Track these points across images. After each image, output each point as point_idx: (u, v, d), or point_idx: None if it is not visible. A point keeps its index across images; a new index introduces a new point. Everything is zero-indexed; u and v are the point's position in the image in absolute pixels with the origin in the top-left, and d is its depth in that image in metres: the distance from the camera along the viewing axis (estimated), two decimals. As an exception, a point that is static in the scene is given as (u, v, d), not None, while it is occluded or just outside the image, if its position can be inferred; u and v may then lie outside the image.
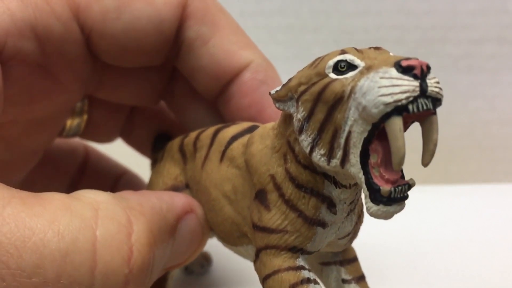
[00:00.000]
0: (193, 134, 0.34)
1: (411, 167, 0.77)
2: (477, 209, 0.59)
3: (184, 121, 0.39)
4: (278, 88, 0.27)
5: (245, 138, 0.31)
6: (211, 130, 0.33)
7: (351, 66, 0.25)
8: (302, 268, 0.27)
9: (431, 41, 0.69)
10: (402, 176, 0.25)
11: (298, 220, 0.27)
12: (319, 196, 0.27)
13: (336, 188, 0.27)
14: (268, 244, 0.27)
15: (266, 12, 0.67)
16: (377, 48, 0.26)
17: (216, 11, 0.36)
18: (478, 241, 0.49)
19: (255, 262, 0.29)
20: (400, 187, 0.24)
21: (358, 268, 0.33)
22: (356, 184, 0.27)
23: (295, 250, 0.27)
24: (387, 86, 0.23)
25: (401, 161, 0.23)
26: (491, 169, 0.72)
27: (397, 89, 0.22)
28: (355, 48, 0.26)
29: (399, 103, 0.22)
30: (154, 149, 0.39)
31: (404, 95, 0.22)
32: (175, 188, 0.34)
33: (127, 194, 0.28)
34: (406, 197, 0.24)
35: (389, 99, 0.22)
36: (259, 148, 0.29)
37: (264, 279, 0.28)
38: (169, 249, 0.28)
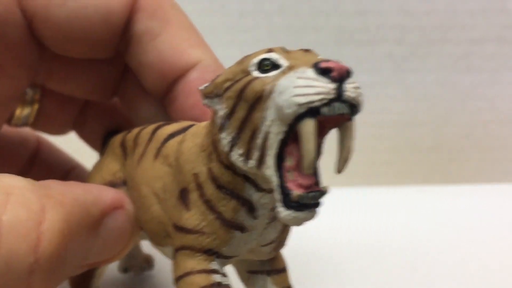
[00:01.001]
0: (135, 130, 0.33)
1: (411, 167, 0.77)
2: (477, 209, 0.59)
3: (136, 118, 0.38)
4: (207, 84, 0.26)
5: (181, 136, 0.30)
6: (152, 127, 0.32)
7: (275, 66, 0.24)
8: (215, 272, 0.26)
9: (431, 41, 0.69)
10: (318, 183, 0.24)
11: (216, 222, 0.26)
12: (239, 199, 0.26)
13: (257, 191, 0.26)
14: (184, 244, 0.27)
15: (266, 12, 0.67)
16: (306, 50, 0.25)
17: (168, 7, 0.34)
18: (478, 241, 0.49)
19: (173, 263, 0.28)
20: (312, 194, 0.23)
21: (285, 279, 0.32)
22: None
23: (211, 253, 0.27)
24: (302, 87, 0.22)
25: (311, 165, 0.22)
26: (491, 169, 0.72)
27: (311, 90, 0.22)
28: (283, 48, 0.25)
29: (312, 105, 0.22)
30: (103, 145, 0.38)
31: (318, 97, 0.22)
32: (112, 184, 0.32)
33: (51, 183, 0.27)
34: (318, 204, 0.24)
35: (302, 100, 0.22)
36: (189, 146, 0.28)
37: (176, 280, 0.27)
38: (90, 243, 0.27)
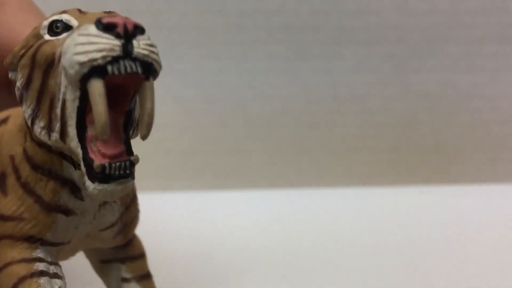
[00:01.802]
0: None
1: (411, 167, 0.77)
2: (477, 209, 0.59)
3: None
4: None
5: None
6: None
7: (68, 27, 0.22)
8: (39, 260, 0.24)
9: (432, 40, 0.69)
10: (129, 152, 0.22)
11: (35, 206, 0.24)
12: (59, 179, 0.25)
13: (76, 170, 0.24)
14: (3, 233, 0.24)
15: (266, 12, 0.67)
16: (109, 12, 0.23)
17: None
18: (478, 241, 0.49)
19: None
20: (119, 164, 0.21)
21: (143, 265, 0.31)
22: None
23: (33, 240, 0.24)
24: (83, 44, 0.20)
25: (104, 129, 0.20)
26: (492, 169, 0.72)
27: (92, 47, 0.20)
28: (79, 10, 0.23)
29: (95, 63, 0.20)
30: None
31: (99, 54, 0.20)
32: None
33: None
34: (128, 175, 0.22)
35: (83, 58, 0.20)
36: (9, 128, 0.26)
37: None
38: None
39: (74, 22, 0.22)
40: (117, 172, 0.21)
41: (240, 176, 0.70)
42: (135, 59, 0.21)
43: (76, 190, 0.25)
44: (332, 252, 0.46)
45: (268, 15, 0.68)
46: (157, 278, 0.40)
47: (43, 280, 0.24)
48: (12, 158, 0.25)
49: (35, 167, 0.25)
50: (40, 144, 0.24)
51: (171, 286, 0.38)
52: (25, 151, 0.25)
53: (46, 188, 0.25)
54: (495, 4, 0.69)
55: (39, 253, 0.25)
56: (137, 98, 0.23)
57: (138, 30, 0.21)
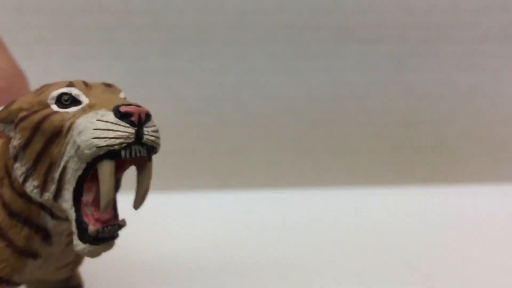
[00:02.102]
0: None
1: (411, 167, 0.77)
2: (477, 209, 0.59)
3: None
4: (1, 108, 0.26)
5: None
6: None
7: (75, 101, 0.24)
8: None
9: (433, 39, 0.69)
10: (116, 216, 0.25)
11: (6, 250, 0.26)
12: (33, 227, 0.26)
13: (52, 219, 0.26)
14: None
15: (266, 11, 0.67)
16: (108, 85, 0.26)
17: None
18: (478, 241, 0.49)
19: None
20: (109, 228, 0.24)
21: None
22: None
23: (1, 281, 0.26)
24: (102, 130, 0.23)
25: (109, 204, 0.23)
26: (493, 169, 0.73)
27: (111, 134, 0.23)
28: (84, 82, 0.25)
29: (112, 148, 0.23)
30: None
31: (117, 141, 0.23)
32: None
33: None
34: (115, 237, 0.24)
35: (102, 143, 0.22)
36: None
37: None
38: None
39: (83, 98, 0.24)
40: (107, 235, 0.24)
41: (240, 176, 0.70)
42: (143, 144, 0.23)
43: (47, 236, 0.27)
44: (332, 252, 0.46)
45: (268, 14, 0.68)
46: (157, 278, 0.40)
47: None
48: None
49: (11, 214, 0.26)
50: (21, 194, 0.25)
51: (171, 285, 0.38)
52: (1, 198, 0.26)
53: (20, 234, 0.26)
54: (496, 3, 0.69)
55: None
56: (137, 173, 0.25)
57: (148, 117, 0.24)
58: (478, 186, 0.69)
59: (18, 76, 0.33)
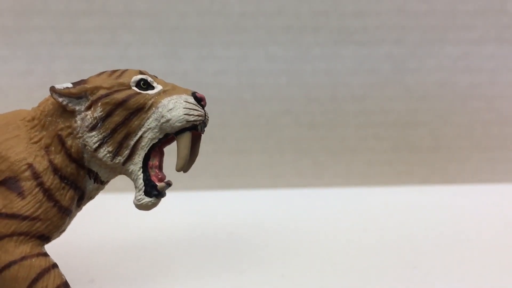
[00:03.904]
0: None
1: (411, 167, 0.77)
2: (477, 209, 0.59)
3: None
4: (67, 85, 0.30)
5: None
6: None
7: (150, 86, 0.31)
8: (48, 255, 0.29)
9: (430, 41, 0.69)
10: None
11: (53, 210, 0.29)
12: (76, 189, 0.31)
13: (94, 183, 0.32)
14: (16, 231, 0.28)
15: (266, 13, 0.67)
16: (155, 76, 0.32)
17: None
18: (477, 241, 0.49)
19: None
20: (167, 187, 0.30)
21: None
22: (108, 182, 0.32)
23: (43, 238, 0.29)
24: (190, 108, 0.30)
25: (184, 165, 0.30)
26: (491, 169, 0.72)
27: (196, 112, 0.31)
28: (147, 73, 0.32)
29: (196, 123, 0.31)
30: None
31: (199, 118, 0.31)
32: None
33: None
34: (165, 194, 0.31)
35: (191, 118, 0.30)
36: (5, 137, 0.30)
37: (4, 267, 0.28)
38: None
39: (155, 84, 0.31)
40: (164, 192, 0.30)
41: (240, 176, 0.70)
42: (204, 123, 0.32)
43: (81, 198, 0.32)
44: (331, 252, 0.46)
45: (268, 16, 0.68)
46: (157, 278, 0.40)
47: (60, 270, 0.29)
48: (30, 165, 0.29)
49: (61, 177, 0.30)
50: (74, 160, 0.30)
51: (170, 285, 0.38)
52: (51, 163, 0.30)
53: (66, 196, 0.30)
54: (494, 5, 0.69)
55: (45, 249, 0.30)
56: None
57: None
58: (476, 186, 0.69)
59: None
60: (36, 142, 0.30)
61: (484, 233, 0.51)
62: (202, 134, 0.32)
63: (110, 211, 0.56)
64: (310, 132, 0.70)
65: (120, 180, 0.37)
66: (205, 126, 0.32)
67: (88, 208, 0.35)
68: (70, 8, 0.65)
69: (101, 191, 0.33)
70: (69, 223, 0.32)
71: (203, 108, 0.31)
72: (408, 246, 0.47)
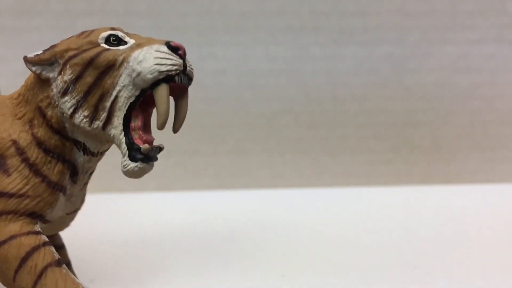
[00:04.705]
0: None
1: (411, 167, 0.77)
2: (476, 209, 0.59)
3: None
4: (38, 52, 0.29)
5: None
6: None
7: (122, 41, 0.28)
8: (41, 233, 0.28)
9: (430, 41, 0.70)
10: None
11: (41, 185, 0.28)
12: (65, 162, 0.29)
13: (84, 155, 0.29)
14: (3, 210, 0.27)
15: (266, 12, 0.68)
16: (135, 34, 0.30)
17: None
18: (477, 241, 0.49)
19: None
20: (154, 149, 0.28)
21: (65, 255, 0.34)
22: (102, 154, 0.30)
23: (34, 216, 0.28)
24: (161, 58, 0.27)
25: (164, 122, 0.27)
26: (491, 169, 0.73)
27: (169, 62, 0.27)
28: (122, 29, 0.30)
29: (170, 73, 0.27)
30: None
31: (174, 67, 0.27)
32: None
33: None
34: (157, 159, 0.28)
35: (163, 68, 0.27)
36: None
37: None
38: None
39: (127, 39, 0.29)
40: (153, 155, 0.28)
41: (240, 176, 0.70)
42: (186, 75, 0.28)
43: (74, 173, 0.30)
44: (331, 252, 0.46)
45: (268, 15, 0.68)
46: (157, 278, 0.40)
47: (52, 248, 0.28)
48: (14, 142, 0.28)
49: (46, 150, 0.28)
50: (56, 131, 0.29)
51: (171, 285, 0.38)
52: (34, 136, 0.28)
53: (54, 170, 0.29)
54: (494, 6, 0.69)
55: (38, 228, 0.28)
56: (177, 102, 0.30)
57: (185, 53, 0.29)
58: (476, 186, 0.69)
59: None
60: (20, 118, 0.29)
61: (484, 233, 0.51)
62: (187, 88, 0.29)
63: (110, 211, 0.56)
64: (310, 132, 0.70)
65: (120, 180, 0.37)
66: (190, 79, 0.29)
67: (88, 208, 0.35)
68: (70, 8, 0.65)
69: (104, 191, 0.32)
70: (73, 202, 0.30)
71: (181, 58, 0.28)
72: (408, 246, 0.47)
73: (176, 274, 0.41)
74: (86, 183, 0.32)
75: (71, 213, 0.32)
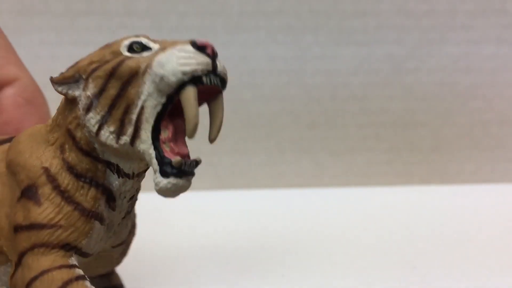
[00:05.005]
0: None
1: (411, 167, 0.77)
2: (477, 209, 0.59)
3: None
4: (63, 71, 0.27)
5: (4, 146, 0.29)
6: None
7: (146, 48, 0.26)
8: (76, 266, 0.25)
9: (430, 41, 0.70)
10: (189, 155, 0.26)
11: (74, 214, 0.26)
12: (99, 187, 0.27)
13: (119, 177, 0.27)
14: (36, 242, 0.25)
15: (266, 12, 0.68)
16: (161, 40, 0.28)
17: None
18: (477, 241, 0.49)
19: (12, 275, 0.26)
20: (189, 162, 0.25)
21: None
22: (139, 175, 0.28)
23: (68, 248, 0.25)
24: (185, 58, 0.24)
25: (195, 129, 0.24)
26: (491, 169, 0.73)
27: (193, 61, 0.24)
28: (148, 36, 0.28)
29: (196, 73, 0.24)
30: None
31: (200, 67, 0.24)
32: None
33: None
34: (193, 173, 0.25)
35: (187, 69, 0.24)
36: (29, 146, 0.27)
37: (27, 285, 0.25)
38: None
39: (152, 44, 0.26)
40: (188, 169, 0.25)
41: (240, 176, 0.70)
42: (217, 75, 0.25)
43: (111, 199, 0.27)
44: (331, 252, 0.46)
45: (268, 16, 0.68)
46: (157, 278, 0.40)
47: (86, 283, 0.25)
48: (46, 169, 0.26)
49: (77, 175, 0.26)
50: (86, 153, 0.26)
51: (171, 285, 0.38)
52: (64, 161, 0.26)
53: (87, 196, 0.26)
54: (494, 6, 0.69)
55: (73, 261, 0.26)
56: (210, 107, 0.27)
57: (217, 54, 0.26)
58: (476, 186, 0.69)
59: (39, 92, 0.35)
60: (52, 144, 0.27)
61: (484, 233, 0.51)
62: (221, 90, 0.27)
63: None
64: (310, 132, 0.70)
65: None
66: (224, 81, 0.26)
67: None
68: (70, 8, 0.65)
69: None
70: (116, 233, 0.28)
71: (209, 57, 0.25)
72: (408, 246, 0.47)
73: (175, 274, 0.41)
74: (129, 212, 0.29)
75: (118, 246, 0.29)
